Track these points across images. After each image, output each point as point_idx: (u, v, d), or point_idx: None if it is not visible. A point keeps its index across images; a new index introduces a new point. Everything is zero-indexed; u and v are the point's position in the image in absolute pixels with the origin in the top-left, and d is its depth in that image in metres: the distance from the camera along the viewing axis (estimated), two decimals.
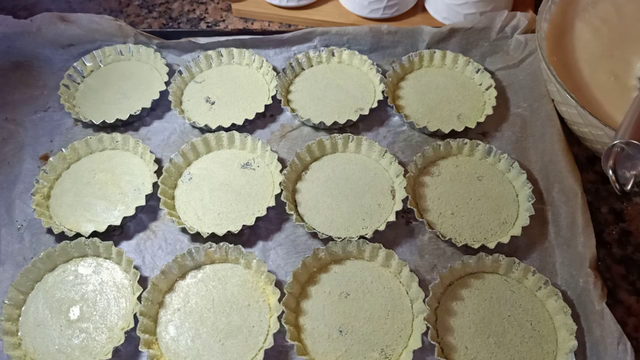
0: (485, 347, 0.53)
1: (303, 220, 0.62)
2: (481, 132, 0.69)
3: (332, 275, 0.58)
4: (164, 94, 0.73)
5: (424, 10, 0.83)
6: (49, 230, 0.62)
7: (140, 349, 0.53)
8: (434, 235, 0.60)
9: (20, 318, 0.57)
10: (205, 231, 0.60)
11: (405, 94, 0.73)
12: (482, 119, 0.68)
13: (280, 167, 0.65)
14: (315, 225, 0.62)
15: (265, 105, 0.72)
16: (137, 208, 0.62)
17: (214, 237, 0.60)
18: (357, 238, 0.59)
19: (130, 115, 0.70)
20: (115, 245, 0.60)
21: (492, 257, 0.57)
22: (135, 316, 0.55)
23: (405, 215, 0.63)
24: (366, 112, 0.70)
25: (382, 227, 0.60)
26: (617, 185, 0.50)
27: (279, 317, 0.54)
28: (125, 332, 0.54)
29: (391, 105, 0.70)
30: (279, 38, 0.77)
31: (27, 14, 0.82)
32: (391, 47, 0.77)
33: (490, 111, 0.69)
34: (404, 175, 0.63)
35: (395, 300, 0.56)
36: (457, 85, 0.74)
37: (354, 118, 0.69)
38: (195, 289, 0.58)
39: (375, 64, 0.74)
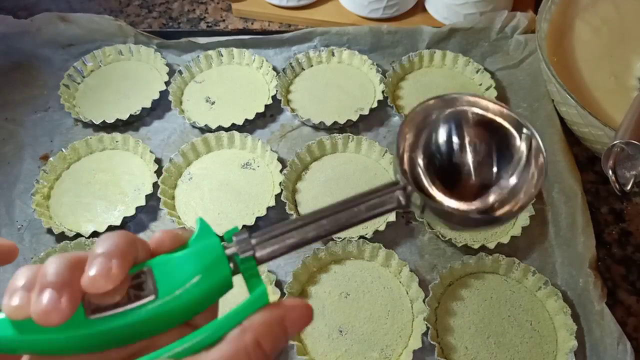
0: (485, 347, 0.53)
1: None
2: None
3: (332, 275, 0.58)
4: (164, 94, 0.73)
5: (424, 10, 0.83)
6: (49, 231, 0.62)
7: None
8: (434, 235, 0.60)
9: None
10: None
11: (405, 94, 0.73)
12: None
13: (280, 167, 0.65)
14: None
15: (265, 105, 0.72)
16: (137, 208, 0.62)
17: None
18: (357, 238, 0.59)
19: (130, 115, 0.70)
20: None
21: (492, 257, 0.57)
22: None
23: (405, 215, 0.63)
24: (366, 112, 0.70)
25: (382, 227, 0.60)
26: (617, 185, 0.50)
27: None
28: None
29: (391, 105, 0.70)
30: (279, 38, 0.77)
31: (27, 14, 0.82)
32: (391, 47, 0.77)
33: None
34: None
35: (395, 300, 0.56)
36: (457, 86, 0.74)
37: (354, 118, 0.69)
38: None
39: (375, 64, 0.74)
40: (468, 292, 0.56)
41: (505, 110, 0.31)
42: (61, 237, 0.61)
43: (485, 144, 0.31)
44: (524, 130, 0.30)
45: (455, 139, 0.31)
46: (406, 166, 0.30)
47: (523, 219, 0.60)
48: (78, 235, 0.61)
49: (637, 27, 0.68)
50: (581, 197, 0.59)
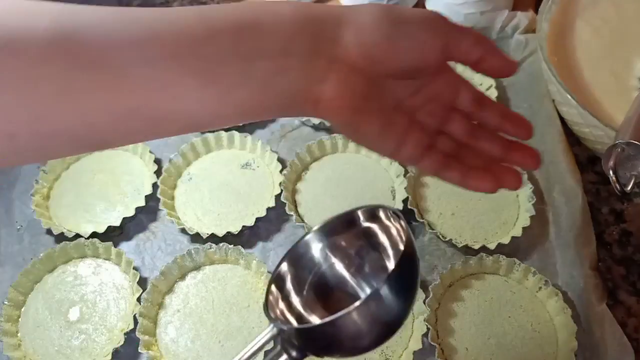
0: (486, 348, 0.53)
1: (303, 221, 0.62)
2: None
3: None
4: None
5: None
6: (49, 231, 0.62)
7: (139, 350, 0.53)
8: (435, 236, 0.60)
9: (20, 319, 0.57)
10: (205, 232, 0.60)
11: None
12: None
13: (280, 167, 0.65)
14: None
15: None
16: (136, 209, 0.62)
17: (213, 238, 0.60)
18: None
19: None
20: (115, 246, 0.60)
21: (492, 257, 0.56)
22: (134, 317, 0.55)
23: (405, 215, 0.63)
24: None
25: None
26: (617, 185, 0.50)
27: None
28: (125, 334, 0.54)
29: None
30: None
31: None
32: None
33: None
34: (404, 176, 0.63)
35: None
36: None
37: None
38: (195, 290, 0.58)
39: None
40: (468, 293, 0.56)
41: (359, 212, 0.33)
42: (61, 237, 0.61)
43: (351, 257, 0.34)
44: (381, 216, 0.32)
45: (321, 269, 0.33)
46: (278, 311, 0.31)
47: (523, 219, 0.60)
48: (77, 235, 0.60)
49: (637, 27, 0.67)
50: (582, 197, 0.59)
